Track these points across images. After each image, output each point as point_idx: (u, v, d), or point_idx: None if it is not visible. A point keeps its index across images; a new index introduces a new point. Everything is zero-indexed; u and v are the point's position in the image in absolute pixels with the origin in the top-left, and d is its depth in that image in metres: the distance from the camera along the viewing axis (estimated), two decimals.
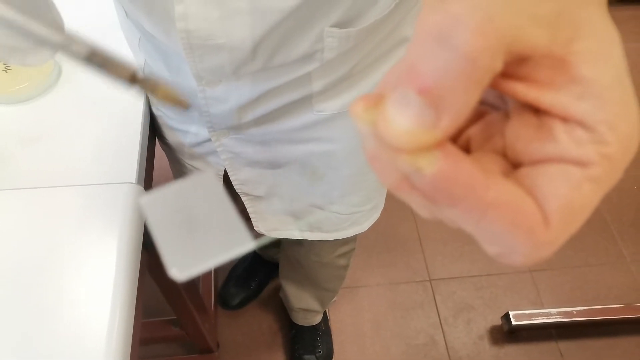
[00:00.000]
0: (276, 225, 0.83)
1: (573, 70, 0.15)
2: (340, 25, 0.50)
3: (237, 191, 0.77)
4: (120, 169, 0.63)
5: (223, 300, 1.41)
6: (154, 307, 1.05)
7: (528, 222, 0.15)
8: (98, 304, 0.54)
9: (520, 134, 0.17)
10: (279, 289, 1.34)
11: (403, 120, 0.14)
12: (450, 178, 0.15)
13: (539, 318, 1.35)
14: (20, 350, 0.51)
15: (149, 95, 0.23)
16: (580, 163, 0.15)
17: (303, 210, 0.79)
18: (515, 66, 0.16)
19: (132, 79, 0.22)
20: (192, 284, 1.09)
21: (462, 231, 0.17)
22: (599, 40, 0.15)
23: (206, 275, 1.37)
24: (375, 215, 0.87)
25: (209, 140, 0.68)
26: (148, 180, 0.68)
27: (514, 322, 1.33)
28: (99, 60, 0.22)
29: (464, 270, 1.50)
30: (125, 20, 0.61)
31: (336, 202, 0.77)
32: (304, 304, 1.24)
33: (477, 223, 0.16)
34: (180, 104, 0.24)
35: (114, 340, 0.52)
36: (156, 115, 0.74)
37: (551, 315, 1.34)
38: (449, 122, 0.14)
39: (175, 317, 1.08)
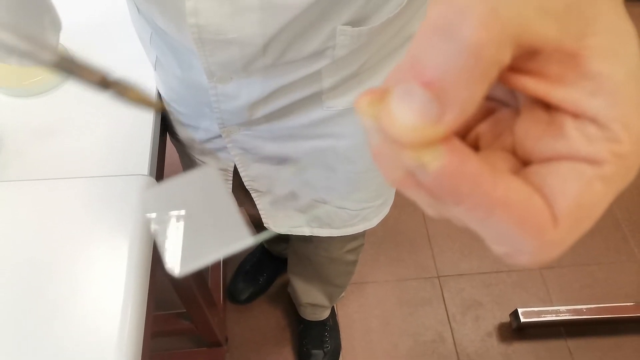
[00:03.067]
0: (286, 221, 0.83)
1: (585, 65, 0.15)
2: (352, 23, 0.50)
3: (246, 187, 0.78)
4: (132, 161, 0.64)
5: (232, 295, 1.42)
6: (163, 300, 1.06)
7: (536, 220, 0.15)
8: (110, 296, 0.55)
9: (530, 131, 0.17)
10: (287, 284, 1.35)
11: (407, 114, 0.14)
12: (456, 174, 0.14)
13: (548, 315, 1.34)
14: (33, 341, 0.52)
15: (120, 98, 0.23)
16: (591, 161, 0.15)
17: (312, 206, 0.80)
18: (525, 60, 0.15)
19: (103, 82, 0.22)
20: (201, 278, 1.10)
21: (470, 228, 0.17)
22: (613, 35, 0.15)
23: (215, 270, 1.38)
24: (385, 211, 0.87)
25: (220, 136, 0.68)
26: (160, 172, 0.69)
27: (522, 320, 1.33)
28: (67, 67, 0.22)
29: (472, 267, 1.50)
30: (137, 17, 0.62)
31: (346, 197, 0.77)
32: (312, 299, 1.25)
33: (483, 221, 0.15)
34: (152, 105, 0.24)
35: (127, 332, 0.53)
36: (167, 111, 0.74)
37: (560, 312, 1.34)
38: (454, 117, 0.14)
39: (184, 311, 1.09)
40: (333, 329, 1.37)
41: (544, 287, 1.47)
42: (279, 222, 0.84)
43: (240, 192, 0.82)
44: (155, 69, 0.68)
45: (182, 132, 0.75)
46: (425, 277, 1.49)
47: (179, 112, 0.72)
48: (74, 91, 0.72)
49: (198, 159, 0.79)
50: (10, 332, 0.52)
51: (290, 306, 1.41)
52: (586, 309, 1.34)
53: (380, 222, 0.88)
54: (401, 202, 0.89)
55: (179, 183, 0.23)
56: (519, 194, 0.15)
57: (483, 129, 0.19)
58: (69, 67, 0.22)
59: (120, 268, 0.56)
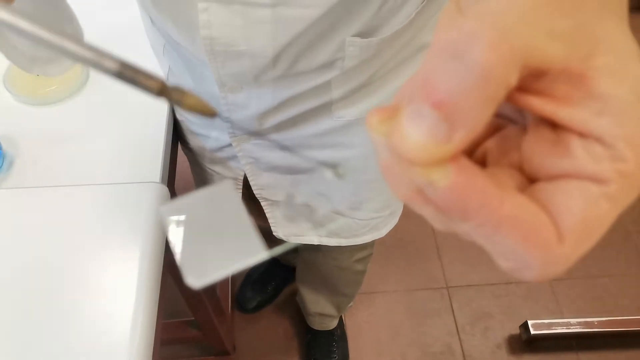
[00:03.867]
0: (295, 230, 0.84)
1: (591, 85, 0.15)
2: (362, 34, 0.51)
3: (256, 196, 0.78)
4: (144, 168, 0.65)
5: (240, 304, 1.43)
6: (171, 307, 1.07)
7: (541, 237, 0.15)
8: (121, 302, 0.55)
9: (537, 149, 0.17)
10: (295, 293, 1.35)
11: (417, 133, 0.15)
12: (463, 192, 0.15)
13: (559, 328, 1.33)
14: (44, 347, 0.53)
15: (176, 106, 0.24)
16: (597, 180, 0.15)
17: (322, 216, 0.80)
18: (533, 80, 0.16)
19: (161, 90, 0.23)
20: (210, 287, 1.11)
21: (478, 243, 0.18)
22: (618, 55, 0.15)
23: (223, 279, 1.39)
24: (394, 221, 0.87)
25: (230, 145, 0.69)
26: (171, 180, 0.70)
27: (533, 332, 1.32)
28: (129, 74, 0.23)
29: (481, 278, 1.50)
30: (151, 28, 0.63)
31: (355, 207, 0.78)
32: (321, 309, 1.25)
33: (490, 237, 0.16)
34: (208, 112, 0.25)
35: (137, 339, 0.53)
36: (179, 120, 0.76)
37: (571, 325, 1.33)
38: (463, 136, 0.14)
39: (193, 319, 1.10)
40: (341, 338, 1.37)
41: (554, 298, 1.46)
42: (288, 231, 0.84)
43: (250, 201, 0.82)
44: (167, 79, 0.70)
45: (193, 141, 0.77)
46: (434, 288, 1.49)
47: (190, 121, 0.73)
48: (88, 100, 0.73)
49: (209, 168, 0.80)
50: (21, 338, 0.53)
51: (298, 315, 1.41)
52: (597, 321, 1.33)
53: (389, 232, 0.88)
54: (410, 212, 0.89)
55: (196, 197, 0.24)
56: (525, 211, 0.15)
57: (491, 145, 0.19)
58: (131, 75, 0.23)
59: (131, 274, 0.57)
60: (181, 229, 0.23)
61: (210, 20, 0.48)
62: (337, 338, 1.35)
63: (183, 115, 0.74)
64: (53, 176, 0.65)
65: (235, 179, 0.77)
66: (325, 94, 0.58)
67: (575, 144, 0.16)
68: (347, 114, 0.62)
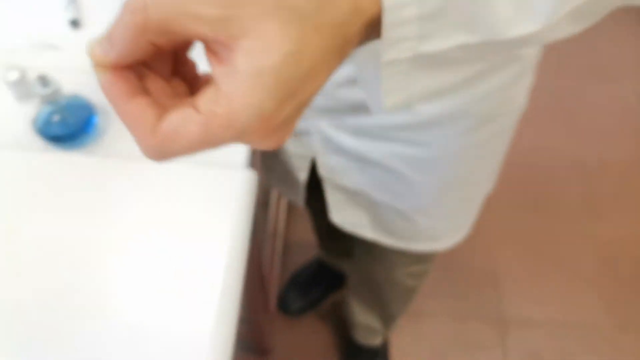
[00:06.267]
0: (351, 219, 0.87)
1: (232, 56, 0.23)
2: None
3: (321, 176, 0.82)
4: (232, 149, 0.67)
5: (283, 305, 1.46)
6: None
7: (140, 128, 0.25)
8: (205, 294, 0.58)
9: (180, 88, 0.29)
10: (341, 302, 1.37)
11: (96, 47, 0.25)
12: (106, 87, 0.25)
13: None
14: (124, 341, 0.56)
15: None
16: (195, 108, 0.24)
17: (382, 211, 0.83)
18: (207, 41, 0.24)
19: None
20: (262, 283, 1.15)
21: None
22: (262, 46, 0.23)
23: (271, 278, 1.43)
24: (456, 237, 0.89)
25: (304, 119, 0.74)
26: (256, 162, 0.75)
27: None
28: None
29: (540, 316, 1.48)
30: None
31: (417, 210, 0.81)
32: (367, 321, 1.27)
33: (122, 122, 0.25)
34: None
35: (220, 336, 0.56)
36: None
37: None
38: (116, 55, 0.24)
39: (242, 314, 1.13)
40: (382, 357, 1.38)
41: (615, 350, 1.42)
42: (344, 217, 0.88)
43: (311, 186, 0.87)
44: None
45: None
46: (487, 319, 1.48)
47: None
48: None
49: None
50: (97, 326, 0.57)
51: (341, 327, 1.43)
52: None
53: (445, 252, 0.89)
54: (476, 237, 0.89)
55: None
56: (139, 110, 0.25)
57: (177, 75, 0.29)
58: None
59: (216, 269, 0.59)
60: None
61: None
62: (378, 356, 1.37)
63: None
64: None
65: (304, 157, 0.82)
66: None
67: (205, 85, 0.25)
68: (426, 109, 0.65)
